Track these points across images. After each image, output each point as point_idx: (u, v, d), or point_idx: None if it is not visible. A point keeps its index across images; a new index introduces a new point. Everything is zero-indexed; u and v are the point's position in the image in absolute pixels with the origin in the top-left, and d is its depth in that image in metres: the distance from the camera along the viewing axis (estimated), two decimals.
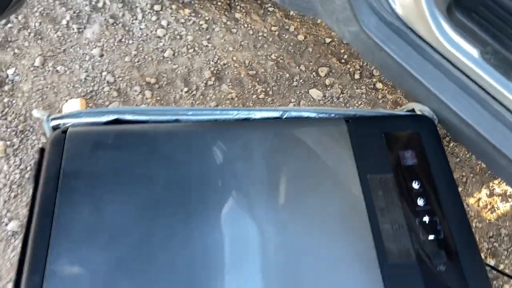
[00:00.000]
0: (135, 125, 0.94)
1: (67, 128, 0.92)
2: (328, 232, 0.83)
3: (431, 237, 0.84)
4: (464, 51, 0.90)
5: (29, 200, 0.85)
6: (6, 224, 1.34)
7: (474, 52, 0.89)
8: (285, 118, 0.98)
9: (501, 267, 1.38)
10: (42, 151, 0.92)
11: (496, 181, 1.50)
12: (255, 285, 0.77)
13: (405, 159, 0.92)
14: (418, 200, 0.87)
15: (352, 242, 0.82)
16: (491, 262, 1.38)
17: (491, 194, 1.48)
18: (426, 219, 0.85)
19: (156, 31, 1.63)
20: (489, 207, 1.46)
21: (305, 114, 0.99)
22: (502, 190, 1.49)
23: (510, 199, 1.47)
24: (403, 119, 0.99)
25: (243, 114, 0.97)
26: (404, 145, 0.94)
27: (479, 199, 1.46)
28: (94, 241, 0.79)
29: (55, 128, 0.95)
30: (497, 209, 1.46)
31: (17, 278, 0.78)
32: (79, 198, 0.83)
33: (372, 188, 0.88)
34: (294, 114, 0.98)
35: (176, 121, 0.96)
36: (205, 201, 0.84)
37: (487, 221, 1.44)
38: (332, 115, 0.98)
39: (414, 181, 0.89)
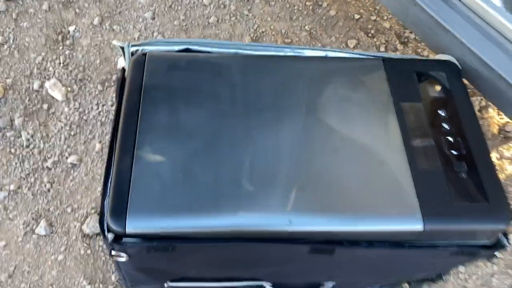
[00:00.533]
0: (203, 54, 1.10)
1: (146, 52, 1.08)
2: (368, 143, 0.98)
3: (454, 152, 0.99)
4: (488, 1, 1.06)
5: (115, 108, 1.01)
6: (67, 158, 1.50)
7: (497, 2, 1.05)
8: (329, 56, 1.13)
9: None
10: (123, 70, 1.09)
11: (505, 146, 1.65)
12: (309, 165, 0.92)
13: (433, 92, 1.07)
14: (443, 124, 1.03)
15: (388, 152, 0.97)
16: None
17: (501, 157, 1.63)
18: (450, 138, 1.00)
19: (202, 0, 1.80)
20: (498, 168, 1.61)
21: (347, 55, 1.15)
22: (511, 154, 1.63)
23: None
24: (432, 62, 1.15)
25: (295, 52, 1.13)
26: (433, 81, 1.09)
27: None
28: (171, 136, 0.95)
29: (132, 53, 1.11)
30: (506, 170, 1.61)
31: (108, 165, 0.94)
32: (159, 104, 0.99)
33: (405, 113, 1.03)
34: (337, 54, 1.14)
35: (235, 53, 1.12)
36: (259, 111, 0.99)
37: None
38: (371, 56, 1.14)
39: (440, 109, 1.05)
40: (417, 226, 0.89)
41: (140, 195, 0.87)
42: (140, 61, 1.06)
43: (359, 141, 0.98)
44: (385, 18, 1.85)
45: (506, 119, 1.70)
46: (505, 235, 0.98)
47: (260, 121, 0.98)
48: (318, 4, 1.85)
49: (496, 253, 1.02)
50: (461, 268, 1.45)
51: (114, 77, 1.64)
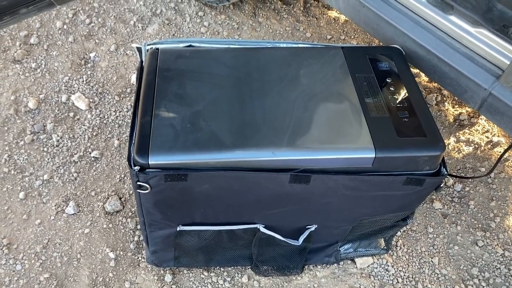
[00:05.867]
0: (202, 48, 1.43)
1: (159, 48, 1.41)
2: (333, 101, 1.28)
3: (398, 104, 1.28)
4: None
5: (136, 87, 1.31)
6: (90, 153, 1.78)
7: None
8: (300, 46, 1.46)
9: (467, 189, 1.78)
10: (141, 62, 1.41)
11: (461, 131, 1.94)
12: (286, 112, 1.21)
13: (381, 67, 1.39)
14: (390, 87, 1.33)
15: (348, 106, 1.27)
16: (459, 186, 1.79)
17: (457, 141, 1.92)
18: (395, 96, 1.31)
19: (200, 29, 2.17)
20: (456, 149, 1.89)
21: (314, 46, 1.48)
22: (465, 138, 1.92)
23: (471, 144, 1.90)
24: (381, 48, 1.48)
25: (273, 45, 1.46)
26: (381, 60, 1.41)
27: (448, 144, 1.90)
28: (180, 101, 1.24)
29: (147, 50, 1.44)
30: (463, 151, 1.89)
31: (132, 121, 1.23)
32: (170, 81, 1.30)
33: (360, 80, 1.34)
34: (306, 45, 1.47)
35: (228, 47, 1.45)
36: (248, 82, 1.30)
37: (455, 158, 1.86)
38: (333, 45, 1.47)
39: (387, 78, 1.36)
40: (371, 154, 1.17)
41: (159, 138, 1.15)
42: (155, 53, 1.38)
43: (326, 99, 1.28)
44: (352, 37, 2.22)
45: (459, 109, 2.01)
46: (444, 166, 1.26)
47: (248, 89, 1.29)
48: (296, 29, 2.23)
49: (441, 184, 1.30)
50: (429, 229, 1.69)
51: (128, 90, 1.96)
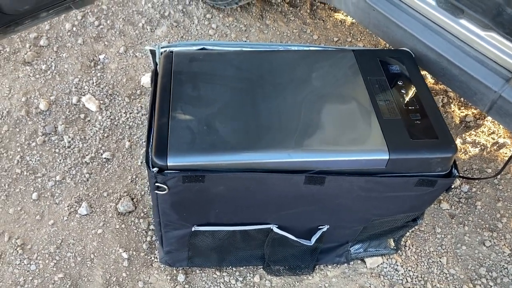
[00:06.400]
0: (215, 51, 1.45)
1: (173, 51, 1.43)
2: (346, 103, 1.30)
3: (410, 107, 1.31)
4: (426, 2, 1.43)
5: (151, 90, 1.33)
6: (101, 154, 1.80)
7: (432, 2, 1.42)
8: (311, 49, 1.48)
9: (474, 190, 1.81)
10: (155, 64, 1.43)
11: (467, 133, 1.97)
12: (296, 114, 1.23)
13: (392, 70, 1.41)
14: (401, 90, 1.35)
15: (361, 109, 1.29)
16: (466, 187, 1.81)
17: (464, 142, 1.94)
18: (407, 98, 1.33)
19: (208, 31, 2.19)
20: (462, 151, 1.92)
21: (325, 49, 1.50)
22: (472, 139, 1.95)
23: (478, 146, 1.93)
24: (391, 51, 1.50)
25: (285, 48, 1.48)
26: (392, 63, 1.43)
27: (457, 147, 1.92)
28: (195, 103, 1.26)
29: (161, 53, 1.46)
30: (469, 152, 1.91)
31: (149, 125, 1.25)
32: (186, 83, 1.31)
33: (372, 83, 1.36)
34: (317, 48, 1.49)
35: (240, 50, 1.47)
36: (261, 85, 1.32)
37: (462, 160, 1.89)
38: (344, 48, 1.49)
39: (398, 81, 1.38)
40: (384, 156, 1.19)
41: (177, 141, 1.17)
42: (169, 56, 1.40)
43: (339, 101, 1.30)
44: (359, 39, 2.24)
45: (465, 111, 2.04)
46: (456, 167, 1.28)
47: (262, 91, 1.31)
48: (303, 31, 2.25)
49: (452, 185, 1.32)
50: (437, 229, 1.72)
51: (138, 92, 1.98)
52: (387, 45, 1.63)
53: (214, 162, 1.17)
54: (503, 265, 1.63)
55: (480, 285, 1.59)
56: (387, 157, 1.19)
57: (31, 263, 1.54)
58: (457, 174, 1.27)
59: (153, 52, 1.46)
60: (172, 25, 2.20)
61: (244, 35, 2.20)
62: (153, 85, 1.35)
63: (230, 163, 1.17)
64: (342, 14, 2.33)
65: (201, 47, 1.46)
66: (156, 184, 1.17)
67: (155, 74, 1.38)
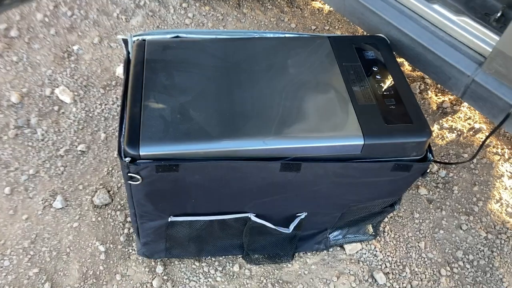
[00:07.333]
0: (189, 38, 1.43)
1: (145, 39, 1.40)
2: (321, 89, 1.29)
3: (385, 92, 1.31)
4: None
5: (123, 78, 1.30)
6: (76, 146, 1.76)
7: None
8: (287, 36, 1.47)
9: (451, 175, 1.83)
10: (128, 53, 1.40)
11: (444, 119, 1.98)
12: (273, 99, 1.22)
13: (367, 56, 1.41)
14: (376, 76, 1.35)
15: (335, 96, 1.28)
16: (443, 172, 1.83)
17: (441, 128, 1.96)
18: (381, 84, 1.33)
19: (184, 20, 2.16)
20: (440, 136, 1.93)
21: (301, 36, 1.49)
22: (448, 125, 1.97)
23: (454, 131, 1.95)
24: (366, 38, 1.49)
25: (259, 34, 1.46)
26: (367, 49, 1.43)
27: (432, 131, 1.93)
28: (168, 92, 1.24)
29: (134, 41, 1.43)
30: (446, 138, 1.93)
31: (121, 114, 1.22)
32: (159, 72, 1.29)
33: (347, 69, 1.35)
34: (293, 35, 1.48)
35: (214, 38, 1.45)
36: (235, 72, 1.30)
37: (439, 145, 1.90)
38: (319, 35, 1.48)
39: (373, 67, 1.38)
40: (359, 141, 1.19)
41: (149, 130, 1.15)
42: (141, 44, 1.37)
43: (314, 88, 1.29)
44: (336, 27, 2.24)
45: (442, 97, 2.05)
46: (431, 152, 1.29)
47: (237, 79, 1.29)
48: (281, 19, 2.23)
49: (427, 170, 1.33)
50: (416, 214, 1.73)
51: (114, 83, 1.94)
52: (365, 33, 1.63)
53: (188, 150, 1.15)
54: (480, 248, 1.66)
55: (457, 268, 1.61)
56: (362, 142, 1.19)
57: (4, 258, 1.50)
58: (432, 158, 1.28)
59: (125, 41, 1.43)
60: (148, 15, 2.17)
61: (221, 24, 2.18)
62: (125, 74, 1.32)
63: (204, 152, 1.15)
64: (320, 2, 2.32)
65: (175, 35, 1.44)
66: (129, 174, 1.15)
67: (127, 63, 1.35)
